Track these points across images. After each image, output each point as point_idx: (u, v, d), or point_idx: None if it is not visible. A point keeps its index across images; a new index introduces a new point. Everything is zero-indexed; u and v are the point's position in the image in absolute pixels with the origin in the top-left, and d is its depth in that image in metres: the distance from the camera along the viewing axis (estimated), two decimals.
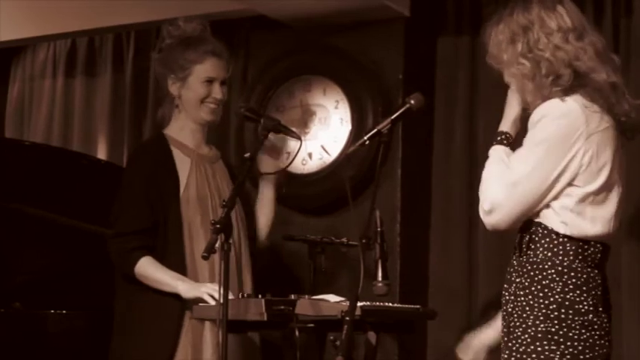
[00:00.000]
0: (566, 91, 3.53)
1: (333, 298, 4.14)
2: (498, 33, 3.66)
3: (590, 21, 5.41)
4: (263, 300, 4.01)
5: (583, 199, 3.52)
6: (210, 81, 4.39)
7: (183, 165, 4.39)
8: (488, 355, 3.98)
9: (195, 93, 4.38)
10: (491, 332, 4.00)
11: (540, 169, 3.51)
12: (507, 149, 3.64)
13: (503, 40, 3.63)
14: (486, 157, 3.65)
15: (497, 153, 3.66)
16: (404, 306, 4.37)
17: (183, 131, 4.45)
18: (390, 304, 4.13)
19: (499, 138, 3.70)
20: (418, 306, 4.46)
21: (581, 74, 3.52)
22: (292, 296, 4.24)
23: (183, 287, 4.16)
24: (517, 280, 3.59)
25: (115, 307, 4.40)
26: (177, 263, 4.25)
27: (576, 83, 3.52)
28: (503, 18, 3.67)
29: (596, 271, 3.54)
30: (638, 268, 5.33)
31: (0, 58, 7.22)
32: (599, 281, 3.55)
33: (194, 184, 4.37)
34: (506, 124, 3.73)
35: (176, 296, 4.18)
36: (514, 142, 3.60)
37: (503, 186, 3.54)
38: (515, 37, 3.59)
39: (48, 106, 7.05)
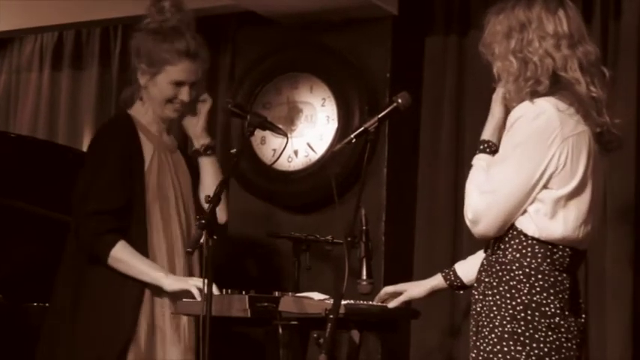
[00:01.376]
0: (545, 95, 3.56)
1: (317, 295, 4.15)
2: (497, 23, 3.67)
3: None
4: (247, 296, 4.00)
5: (555, 203, 3.54)
6: (177, 82, 4.34)
7: (146, 149, 4.36)
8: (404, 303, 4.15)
9: (162, 93, 4.34)
10: (415, 287, 4.18)
11: (519, 173, 3.53)
12: (490, 157, 3.66)
13: (499, 32, 3.65)
14: (472, 156, 3.66)
15: (479, 162, 3.69)
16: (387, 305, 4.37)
17: (147, 116, 4.43)
18: (374, 304, 4.13)
19: (482, 147, 3.72)
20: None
21: (563, 83, 3.54)
22: (276, 293, 4.26)
23: (167, 281, 4.13)
24: (486, 279, 3.62)
25: (58, 285, 4.38)
26: (139, 248, 4.22)
27: (555, 89, 3.55)
28: (505, 9, 3.67)
29: (565, 275, 3.57)
30: (621, 268, 5.36)
31: None
32: (567, 285, 3.57)
33: (155, 171, 4.35)
34: (489, 133, 3.75)
35: (135, 283, 4.17)
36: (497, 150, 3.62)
37: (483, 195, 3.56)
38: (511, 31, 3.61)
39: (34, 98, 7.07)
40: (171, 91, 4.34)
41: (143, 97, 4.41)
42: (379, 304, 4.15)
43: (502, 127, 3.68)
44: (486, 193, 3.55)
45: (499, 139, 3.67)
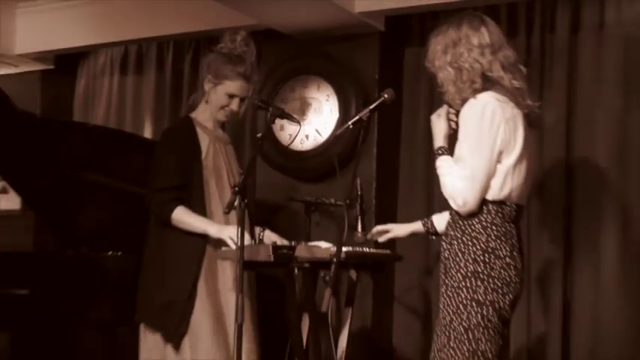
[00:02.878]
0: (483, 90, 3.57)
1: (324, 244, 4.12)
2: (436, 43, 3.70)
3: (523, 35, 5.45)
4: (271, 245, 4.03)
5: (505, 171, 3.54)
6: (230, 94, 4.35)
7: (203, 141, 4.34)
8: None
9: (219, 100, 4.34)
10: (399, 228, 4.18)
11: (484, 156, 3.52)
12: (450, 157, 3.65)
13: (438, 50, 3.68)
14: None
15: (446, 162, 3.66)
16: (377, 251, 4.35)
17: (205, 116, 4.41)
18: (367, 250, 4.14)
19: (440, 152, 3.71)
20: (388, 251, 4.46)
21: (493, 80, 3.56)
22: (292, 243, 4.26)
23: (213, 229, 4.13)
24: (452, 232, 3.62)
25: (145, 248, 4.35)
26: (199, 213, 4.22)
27: (489, 85, 3.56)
28: (441, 32, 3.70)
29: (512, 225, 3.59)
30: (554, 217, 5.37)
31: (70, 60, 7.18)
32: (514, 233, 3.59)
33: (211, 155, 4.34)
34: (440, 141, 3.75)
35: (199, 238, 4.17)
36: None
37: (464, 181, 3.53)
38: (447, 48, 3.64)
39: (106, 97, 7.03)
40: (226, 101, 4.33)
41: (207, 101, 4.39)
42: (373, 250, 4.15)
43: (448, 135, 3.74)
44: (466, 179, 3.53)
45: (449, 144, 3.69)
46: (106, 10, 6.54)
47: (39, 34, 6.82)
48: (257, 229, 4.51)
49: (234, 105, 4.35)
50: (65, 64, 7.16)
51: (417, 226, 4.16)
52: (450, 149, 3.65)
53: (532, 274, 5.30)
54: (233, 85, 4.32)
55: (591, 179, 5.31)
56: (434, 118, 3.83)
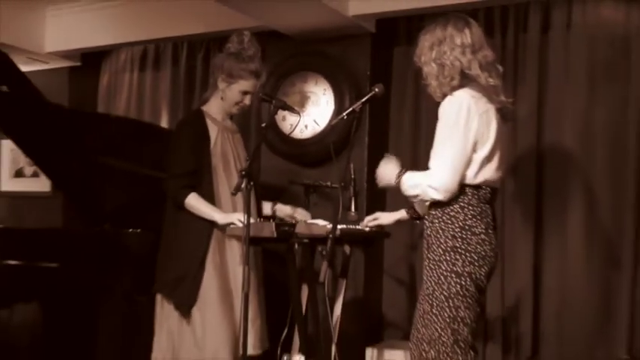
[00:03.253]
0: (460, 87, 3.59)
1: (321, 222, 4.14)
2: (424, 40, 3.71)
3: (498, 36, 5.46)
4: (273, 223, 4.06)
5: (480, 159, 3.56)
6: (244, 92, 4.34)
7: (213, 131, 4.33)
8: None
9: (234, 97, 4.33)
10: (386, 217, 4.21)
11: (459, 144, 3.53)
12: (408, 172, 3.74)
13: (425, 47, 3.69)
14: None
15: (408, 179, 3.71)
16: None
17: (216, 109, 4.40)
18: (359, 227, 4.14)
19: (399, 176, 3.75)
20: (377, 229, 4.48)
21: (471, 77, 3.58)
22: (293, 221, 4.31)
23: (219, 217, 4.14)
24: (433, 212, 3.65)
25: (163, 227, 4.36)
26: (208, 196, 4.22)
27: (467, 82, 3.58)
28: (429, 30, 3.71)
29: (487, 205, 3.61)
30: (526, 200, 5.39)
31: (95, 58, 7.19)
32: (488, 212, 3.62)
33: (219, 144, 4.33)
34: (393, 176, 3.80)
35: (206, 220, 4.19)
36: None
37: (443, 170, 3.54)
38: (432, 46, 3.65)
39: (127, 91, 7.05)
40: (240, 97, 4.33)
41: (222, 97, 4.37)
42: (364, 227, 4.18)
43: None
44: (445, 168, 3.54)
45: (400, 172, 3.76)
46: (127, 13, 6.55)
47: (67, 34, 6.83)
48: (269, 204, 4.56)
49: (247, 101, 4.36)
50: (90, 61, 7.17)
51: (401, 213, 4.19)
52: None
53: (506, 247, 5.33)
54: (247, 84, 4.32)
55: (559, 163, 5.34)
56: (382, 164, 3.91)
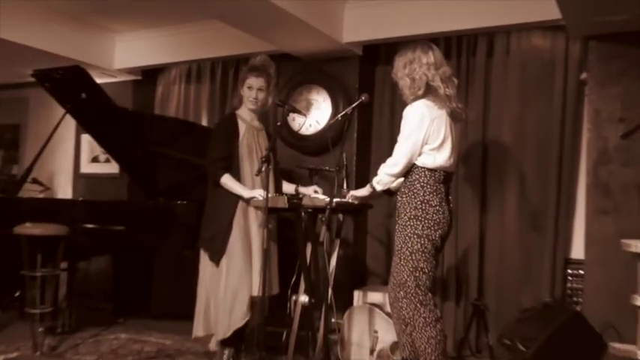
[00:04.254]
0: (422, 97, 3.61)
1: (322, 196, 4.20)
2: (399, 61, 3.73)
3: (454, 58, 5.44)
4: (285, 197, 4.08)
5: (432, 150, 3.59)
6: (250, 87, 4.34)
7: (242, 129, 4.33)
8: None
9: (245, 93, 4.35)
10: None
11: (412, 141, 3.58)
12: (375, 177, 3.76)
13: (400, 65, 3.71)
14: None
15: (377, 177, 3.75)
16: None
17: (244, 112, 4.40)
18: (349, 201, 4.11)
19: (371, 184, 3.79)
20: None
21: (433, 88, 3.61)
22: (300, 195, 4.35)
23: (245, 192, 4.16)
24: (402, 189, 3.69)
25: (206, 200, 4.36)
26: (237, 176, 4.23)
27: (429, 92, 3.61)
28: (402, 53, 3.73)
29: (442, 185, 3.64)
30: (473, 181, 5.37)
31: (152, 73, 7.15)
32: (442, 190, 3.65)
33: (246, 138, 4.32)
34: (365, 190, 3.86)
35: (235, 194, 4.19)
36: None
37: (396, 157, 3.64)
38: (405, 64, 3.67)
39: (176, 99, 7.01)
40: (247, 92, 4.34)
41: (242, 100, 4.39)
42: (353, 201, 4.20)
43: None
44: (398, 154, 3.62)
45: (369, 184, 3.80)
46: (176, 40, 6.55)
47: (131, 55, 6.83)
48: (293, 186, 4.55)
49: (253, 94, 4.33)
50: (149, 76, 7.15)
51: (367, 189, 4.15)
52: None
53: (459, 217, 5.33)
54: (249, 81, 4.33)
55: (499, 154, 5.33)
56: (353, 193, 3.95)
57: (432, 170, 3.63)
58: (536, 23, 5.01)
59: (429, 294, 3.63)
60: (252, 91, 4.33)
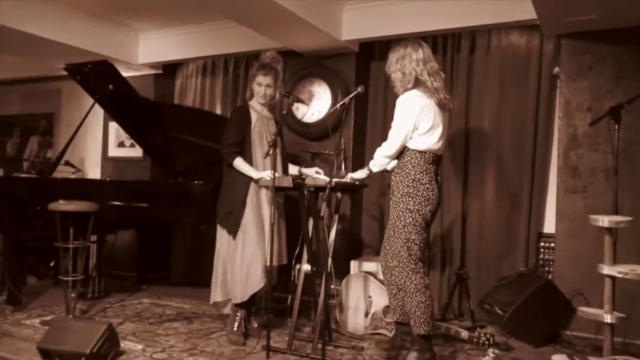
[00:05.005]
0: (412, 89, 3.58)
1: (322, 177, 4.18)
2: (391, 57, 3.70)
3: (441, 54, 5.40)
4: (290, 177, 4.06)
5: (421, 134, 3.57)
6: (259, 84, 4.32)
7: (253, 117, 4.32)
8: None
9: (255, 89, 4.33)
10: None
11: (404, 127, 3.56)
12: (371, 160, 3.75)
13: (392, 60, 3.69)
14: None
15: (371, 162, 3.75)
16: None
17: (255, 102, 4.38)
18: (347, 181, 4.11)
19: (368, 167, 3.78)
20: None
21: (422, 81, 3.58)
22: (303, 176, 4.32)
23: (255, 173, 4.16)
24: (396, 169, 3.67)
25: (222, 181, 4.37)
26: (248, 159, 4.22)
27: (418, 84, 3.58)
28: (395, 49, 3.70)
29: (431, 165, 3.63)
30: (457, 164, 5.34)
31: (172, 68, 7.11)
32: (432, 170, 3.63)
33: (257, 125, 4.31)
34: (364, 173, 3.84)
35: (247, 175, 4.19)
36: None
37: (391, 141, 3.61)
38: (397, 60, 3.65)
39: (193, 91, 6.95)
40: (257, 88, 4.33)
41: (252, 94, 4.38)
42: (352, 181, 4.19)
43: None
44: (392, 139, 3.60)
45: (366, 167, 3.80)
46: (193, 38, 6.49)
47: (153, 51, 6.77)
48: (297, 168, 4.54)
49: (262, 90, 4.32)
50: (169, 70, 7.10)
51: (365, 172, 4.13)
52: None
53: (444, 195, 5.30)
54: (258, 78, 4.31)
55: (480, 140, 5.30)
56: (352, 176, 3.92)
57: (422, 152, 3.61)
58: (514, 23, 4.98)
59: (420, 263, 3.62)
60: (262, 87, 4.32)
